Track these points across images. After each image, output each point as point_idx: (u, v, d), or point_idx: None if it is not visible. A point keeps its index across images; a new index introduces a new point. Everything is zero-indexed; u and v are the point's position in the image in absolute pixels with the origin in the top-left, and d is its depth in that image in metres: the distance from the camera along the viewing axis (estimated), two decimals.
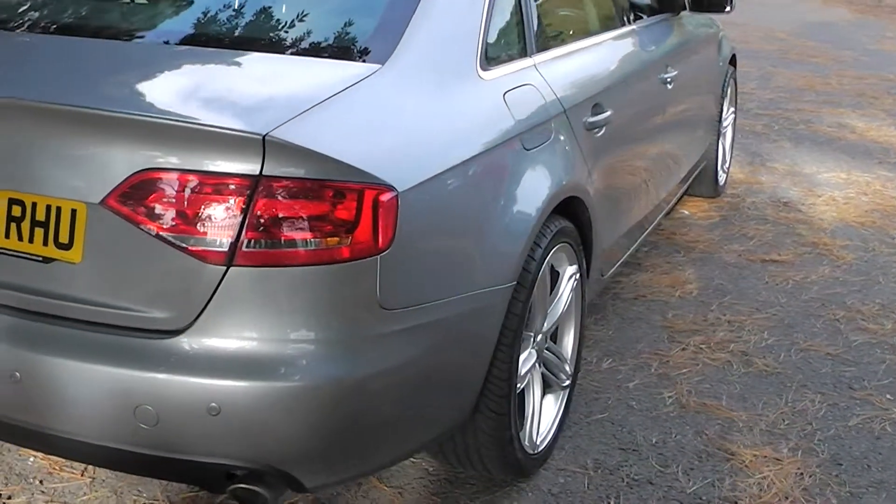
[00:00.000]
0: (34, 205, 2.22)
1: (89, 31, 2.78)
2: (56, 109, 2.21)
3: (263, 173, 2.07)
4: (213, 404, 2.10)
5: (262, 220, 2.08)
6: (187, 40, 2.67)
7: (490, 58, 2.73)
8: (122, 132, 2.15)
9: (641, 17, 4.35)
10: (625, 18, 4.00)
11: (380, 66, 2.42)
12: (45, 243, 2.21)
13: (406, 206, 2.20)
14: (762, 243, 5.10)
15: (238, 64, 2.51)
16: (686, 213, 5.56)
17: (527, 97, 2.79)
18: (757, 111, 7.98)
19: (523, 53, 2.96)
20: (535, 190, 2.69)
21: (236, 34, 2.67)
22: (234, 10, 2.68)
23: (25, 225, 2.23)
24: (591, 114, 3.16)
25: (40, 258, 2.23)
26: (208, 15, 2.73)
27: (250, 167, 2.07)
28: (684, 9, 4.68)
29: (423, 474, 3.04)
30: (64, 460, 2.96)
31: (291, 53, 2.55)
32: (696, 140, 4.85)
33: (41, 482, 2.94)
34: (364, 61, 2.45)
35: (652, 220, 4.22)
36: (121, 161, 2.14)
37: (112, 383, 2.16)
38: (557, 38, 3.31)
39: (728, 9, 4.78)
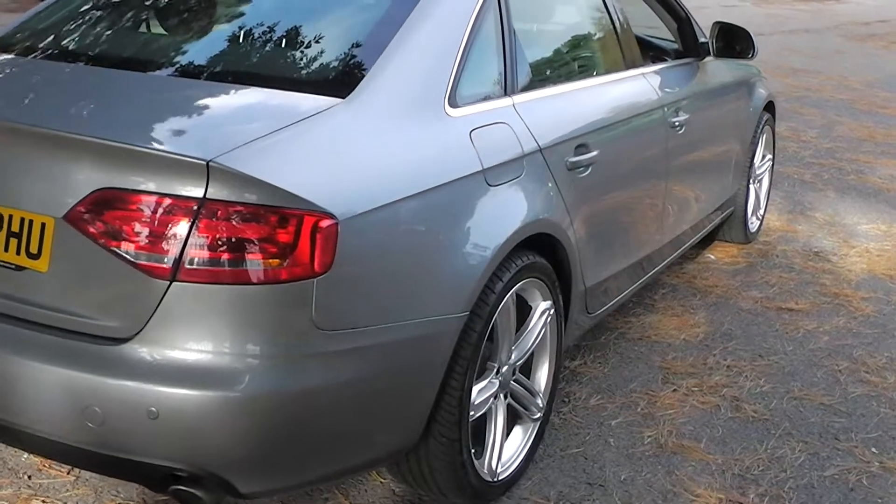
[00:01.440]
0: (10, 217, 2.40)
1: (64, 56, 3.00)
2: (29, 130, 2.40)
3: (207, 197, 2.23)
4: (153, 409, 2.25)
5: (203, 241, 2.23)
6: (153, 68, 2.87)
7: (462, 96, 2.85)
8: (83, 153, 2.33)
9: (664, 61, 4.42)
10: (635, 62, 4.06)
11: (340, 100, 2.56)
12: (18, 252, 2.39)
13: (347, 234, 2.33)
14: (782, 291, 5.11)
15: (201, 93, 2.68)
16: (712, 257, 5.58)
17: (496, 135, 2.90)
18: (810, 160, 7.95)
19: (503, 93, 3.06)
20: (496, 224, 2.79)
21: (204, 65, 2.85)
22: (204, 42, 2.85)
23: (2, 235, 2.41)
24: (573, 154, 3.25)
25: (13, 266, 2.41)
26: (178, 46, 2.91)
27: (195, 190, 2.23)
28: (708, 54, 4.72)
29: (389, 494, 3.14)
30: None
31: (256, 85, 2.70)
32: (715, 186, 4.89)
33: (29, 477, 3.11)
34: (327, 95, 2.58)
35: (655, 264, 4.27)
36: (82, 179, 2.31)
37: (66, 384, 2.33)
38: (546, 79, 3.42)
39: (752, 54, 4.82)
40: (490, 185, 2.79)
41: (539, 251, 3.09)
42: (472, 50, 2.94)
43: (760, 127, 5.50)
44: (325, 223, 2.29)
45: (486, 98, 2.98)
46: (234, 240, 2.25)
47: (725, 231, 5.64)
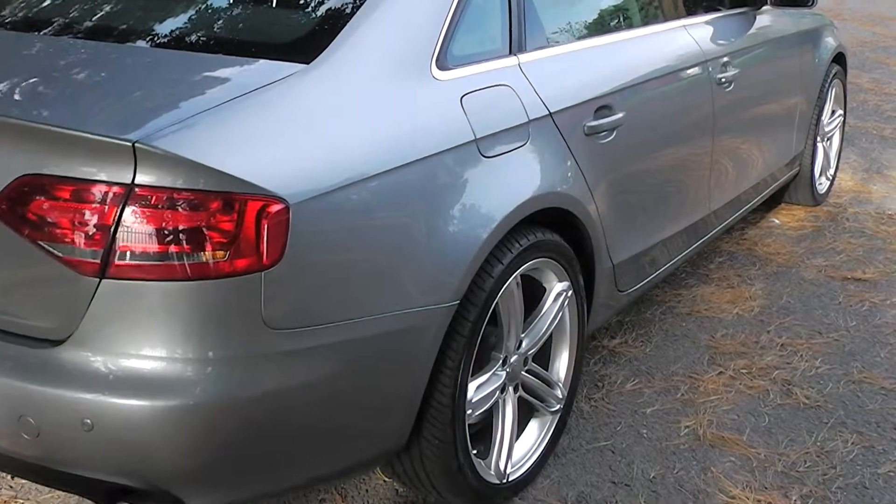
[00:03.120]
0: None
1: None
2: None
3: (135, 182, 1.97)
4: (87, 420, 2.01)
5: (134, 232, 1.98)
6: (81, 34, 2.58)
7: (454, 56, 2.53)
8: (4, 136, 2.06)
9: (717, 10, 4.03)
10: (676, 13, 3.68)
11: (304, 65, 2.26)
12: None
13: (301, 220, 2.06)
14: (849, 259, 4.70)
15: (137, 62, 2.41)
16: (776, 221, 5.18)
17: (494, 99, 2.58)
18: (891, 113, 7.42)
19: (507, 51, 2.73)
20: (492, 200, 2.48)
21: (141, 29, 2.57)
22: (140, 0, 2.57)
23: None
24: (592, 117, 2.91)
25: None
26: (110, 5, 2.62)
27: (122, 176, 1.98)
28: (765, 3, 4.30)
29: (392, 495, 2.88)
30: None
31: (204, 51, 2.42)
32: (776, 145, 4.48)
33: (12, 478, 2.92)
34: (288, 60, 2.28)
35: (704, 232, 3.91)
36: (5, 166, 2.06)
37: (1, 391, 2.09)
38: (563, 34, 3.06)
39: (811, 3, 4.39)
40: (484, 157, 2.47)
41: (553, 228, 2.76)
42: (471, 4, 2.60)
43: (828, 81, 5.05)
44: (273, 208, 2.01)
45: (486, 58, 2.66)
46: (167, 230, 1.98)
47: (792, 193, 5.24)
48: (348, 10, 2.42)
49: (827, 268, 4.60)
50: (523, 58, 2.78)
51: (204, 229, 1.99)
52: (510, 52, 2.76)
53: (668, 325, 3.99)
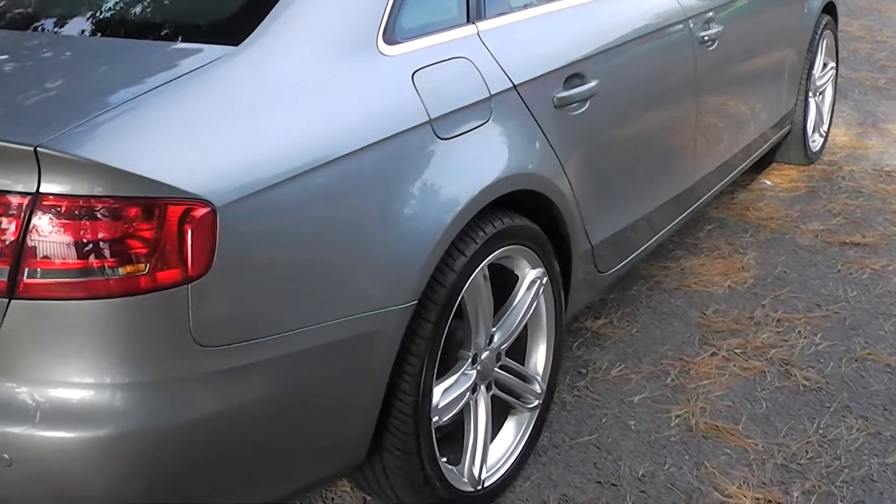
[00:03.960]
0: None
1: None
2: None
3: (40, 191, 1.72)
4: (5, 455, 1.77)
5: (42, 246, 1.73)
6: None
7: (403, 28, 2.26)
8: None
9: None
10: None
11: (232, 47, 2.00)
12: None
13: (231, 223, 1.81)
14: (847, 222, 4.45)
15: (41, 51, 2.14)
16: (768, 183, 4.93)
17: (451, 74, 2.31)
18: (885, 62, 7.15)
19: (464, 20, 2.46)
20: (450, 187, 2.23)
21: (44, 11, 2.30)
22: None
23: None
24: (562, 87, 2.64)
25: None
26: None
27: (26, 184, 1.73)
28: None
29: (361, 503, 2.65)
30: None
31: (122, 35, 2.16)
32: (765, 104, 4.22)
33: None
34: (214, 42, 2.02)
35: (692, 201, 3.66)
36: None
37: None
38: None
39: None
40: (440, 139, 2.21)
41: (523, 211, 2.51)
42: None
43: (819, 32, 4.78)
44: (198, 213, 1.77)
45: (440, 29, 2.39)
46: (79, 243, 1.74)
47: (783, 152, 4.98)
48: None
49: (823, 232, 4.36)
50: (483, 26, 2.51)
51: (120, 240, 1.75)
52: (468, 20, 2.49)
53: (656, 303, 3.74)
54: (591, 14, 2.94)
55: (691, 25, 3.39)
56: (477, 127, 2.34)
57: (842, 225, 4.44)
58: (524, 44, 2.60)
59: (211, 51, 1.99)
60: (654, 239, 3.41)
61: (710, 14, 3.52)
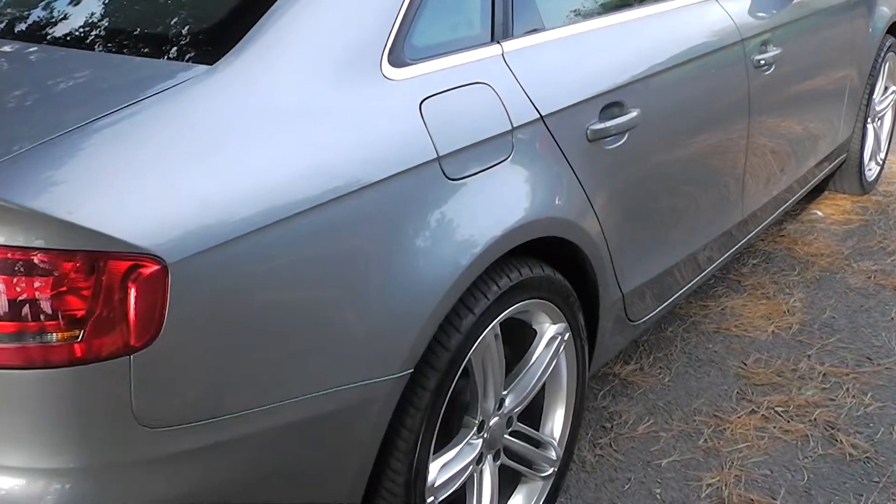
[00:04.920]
0: None
1: None
2: None
3: None
4: None
5: None
6: None
7: (415, 47, 1.95)
8: None
9: None
10: None
11: (206, 66, 1.69)
12: None
13: (186, 282, 1.51)
14: None
15: None
16: (819, 213, 4.57)
17: (465, 102, 2.00)
18: None
19: (488, 38, 2.14)
20: (458, 237, 1.92)
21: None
22: None
23: None
24: (598, 118, 2.32)
25: None
26: None
27: None
28: None
29: None
30: None
31: (74, 46, 1.84)
32: (820, 134, 3.87)
33: None
34: (185, 60, 1.71)
35: (736, 241, 3.32)
36: None
37: None
38: (561, 14, 2.46)
39: None
40: (449, 179, 1.90)
41: (546, 257, 2.19)
42: None
43: (883, 54, 4.41)
44: (145, 270, 1.46)
45: (458, 48, 2.07)
46: (5, 302, 1.43)
47: (837, 181, 4.63)
48: None
49: (877, 273, 4.00)
50: (508, 46, 2.19)
51: (52, 300, 1.45)
52: (492, 39, 2.17)
53: (692, 347, 3.41)
54: (635, 34, 2.61)
55: (746, 48, 3.05)
56: (494, 165, 2.03)
57: None
58: (556, 67, 2.29)
59: (179, 71, 1.69)
60: (694, 282, 3.09)
61: (768, 35, 3.17)
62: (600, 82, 2.40)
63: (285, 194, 1.65)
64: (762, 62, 3.16)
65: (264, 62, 1.75)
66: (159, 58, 1.77)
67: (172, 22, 1.89)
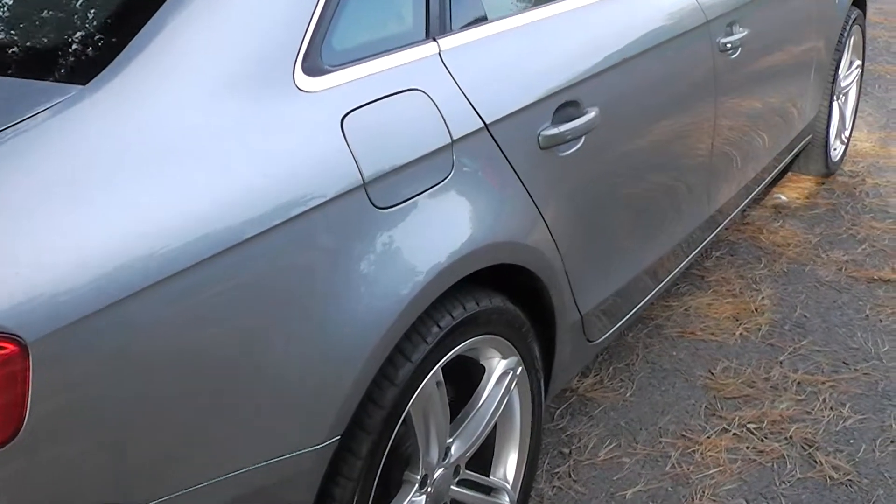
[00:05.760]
0: None
1: None
2: None
3: None
4: None
5: None
6: None
7: (336, 51, 1.63)
8: None
9: None
10: None
11: (79, 87, 1.36)
12: None
13: (52, 364, 1.18)
14: (875, 250, 3.85)
15: None
16: (783, 198, 4.32)
17: (395, 114, 1.68)
18: None
19: (420, 35, 1.82)
20: (390, 277, 1.61)
21: None
22: None
23: None
24: (551, 121, 2.02)
25: None
26: None
27: None
28: None
29: None
30: None
31: None
32: (790, 116, 3.62)
33: None
34: (55, 80, 1.38)
35: (703, 238, 3.05)
36: None
37: None
38: (510, 3, 2.14)
39: None
40: (378, 209, 1.58)
41: (495, 284, 1.90)
42: None
43: (848, 28, 4.14)
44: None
45: (387, 49, 1.74)
46: None
47: (801, 162, 4.38)
48: None
49: (848, 264, 3.75)
50: (446, 43, 1.88)
51: None
52: (427, 36, 1.85)
53: (655, 355, 3.15)
54: (591, 21, 2.30)
55: (712, 31, 2.76)
56: (431, 187, 1.72)
57: (868, 255, 3.83)
58: (502, 65, 1.98)
59: (40, 94, 1.35)
60: (659, 288, 2.81)
61: (735, 15, 2.87)
62: (554, 79, 2.09)
63: (175, 242, 1.34)
64: (728, 45, 2.87)
65: (149, 79, 1.43)
66: (19, 76, 1.43)
67: (38, 32, 1.55)
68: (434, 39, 1.87)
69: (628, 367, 3.09)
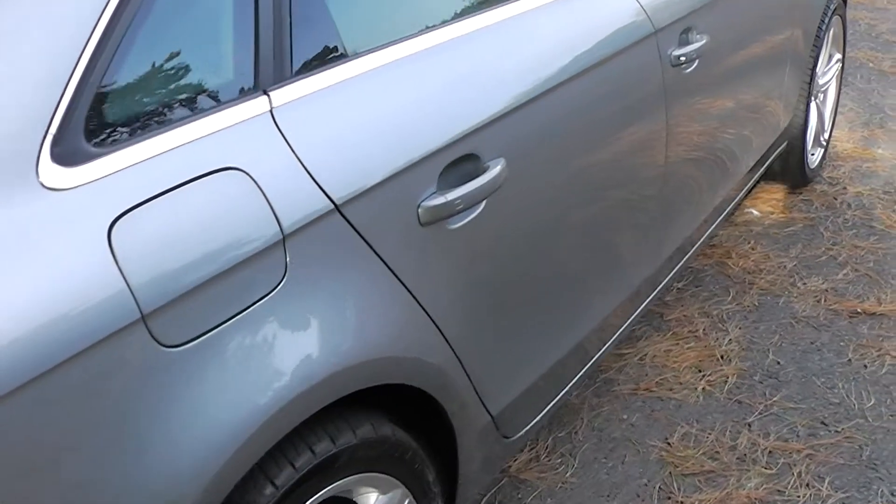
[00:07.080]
0: None
1: None
2: None
3: None
4: None
5: None
6: None
7: (106, 123, 1.13)
8: None
9: None
10: None
11: None
12: None
13: None
14: (858, 275, 3.39)
15: None
16: (755, 213, 3.86)
17: (194, 210, 1.18)
18: (889, 37, 6.03)
19: (247, 85, 1.33)
20: (184, 443, 1.10)
21: None
22: None
23: None
24: (436, 186, 1.52)
25: None
26: None
27: None
28: None
29: None
30: None
31: None
32: (761, 130, 3.17)
33: None
34: None
35: (658, 284, 2.57)
36: None
37: None
38: (382, 29, 1.64)
39: None
40: (166, 347, 1.09)
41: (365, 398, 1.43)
42: (139, 10, 1.21)
43: (828, 19, 3.65)
44: None
45: (191, 113, 1.24)
46: None
47: (776, 172, 3.87)
48: None
49: (827, 294, 3.29)
50: (282, 95, 1.37)
51: None
52: (255, 87, 1.35)
53: (603, 420, 2.69)
54: (489, 50, 1.79)
55: (660, 43, 2.27)
56: (249, 307, 1.22)
57: (850, 282, 3.37)
58: (365, 118, 1.47)
59: None
60: (600, 354, 2.33)
61: (689, 22, 2.39)
62: (441, 130, 1.59)
63: None
64: (682, 58, 2.38)
65: None
66: None
67: None
68: (265, 92, 1.37)
69: (570, 437, 2.63)
